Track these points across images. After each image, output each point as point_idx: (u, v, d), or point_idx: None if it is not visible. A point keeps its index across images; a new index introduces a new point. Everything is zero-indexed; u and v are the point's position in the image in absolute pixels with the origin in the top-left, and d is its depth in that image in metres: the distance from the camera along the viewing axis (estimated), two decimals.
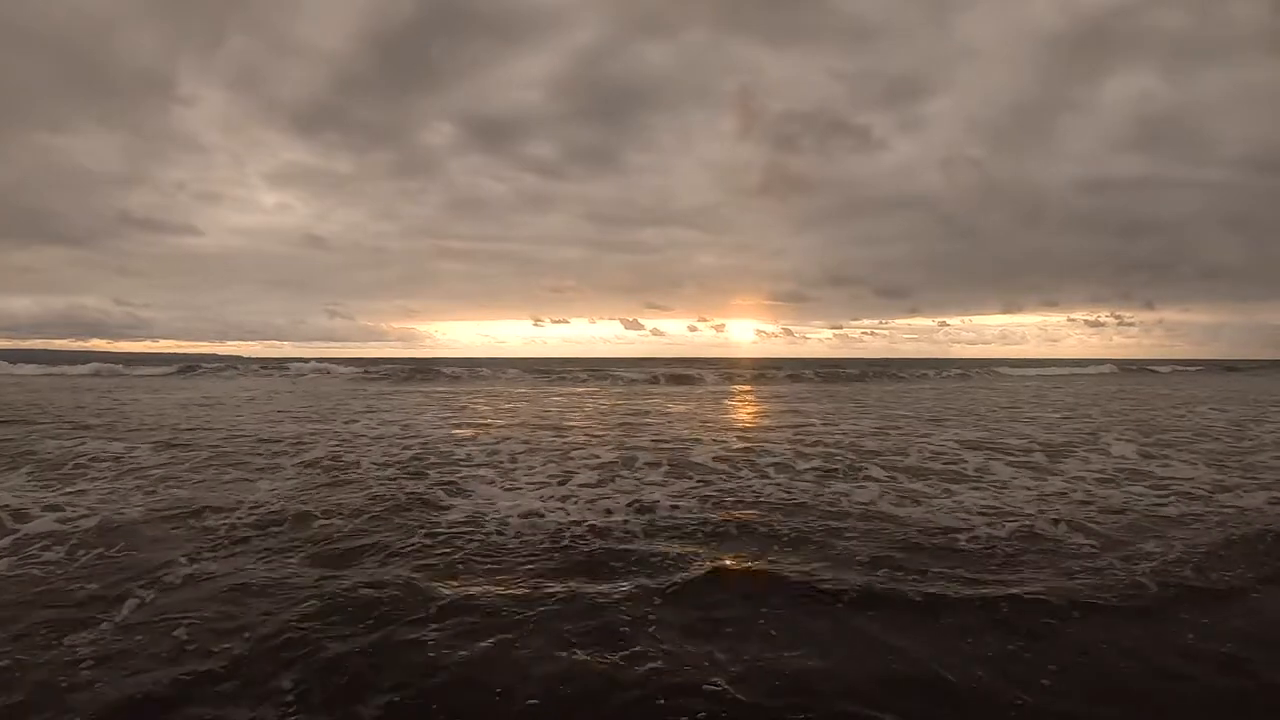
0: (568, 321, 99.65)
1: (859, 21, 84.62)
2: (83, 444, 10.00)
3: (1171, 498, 6.66)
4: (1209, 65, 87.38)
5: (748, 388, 28.73)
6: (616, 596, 3.92)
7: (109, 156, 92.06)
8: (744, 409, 18.03)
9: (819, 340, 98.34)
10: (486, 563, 4.63)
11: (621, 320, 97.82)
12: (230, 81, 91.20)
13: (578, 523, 5.63)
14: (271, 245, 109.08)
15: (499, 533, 5.37)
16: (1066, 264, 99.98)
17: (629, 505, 6.24)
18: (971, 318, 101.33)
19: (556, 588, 4.06)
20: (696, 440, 10.74)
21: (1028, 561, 4.65)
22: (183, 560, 4.68)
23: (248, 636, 3.44)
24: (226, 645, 3.36)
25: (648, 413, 16.21)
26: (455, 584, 4.15)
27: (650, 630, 3.51)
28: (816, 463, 8.34)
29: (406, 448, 9.83)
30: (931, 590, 4.02)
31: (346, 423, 13.46)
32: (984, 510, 6.12)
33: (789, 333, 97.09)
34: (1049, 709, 2.84)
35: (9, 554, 4.82)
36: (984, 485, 7.30)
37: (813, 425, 12.87)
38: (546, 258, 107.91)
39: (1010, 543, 5.09)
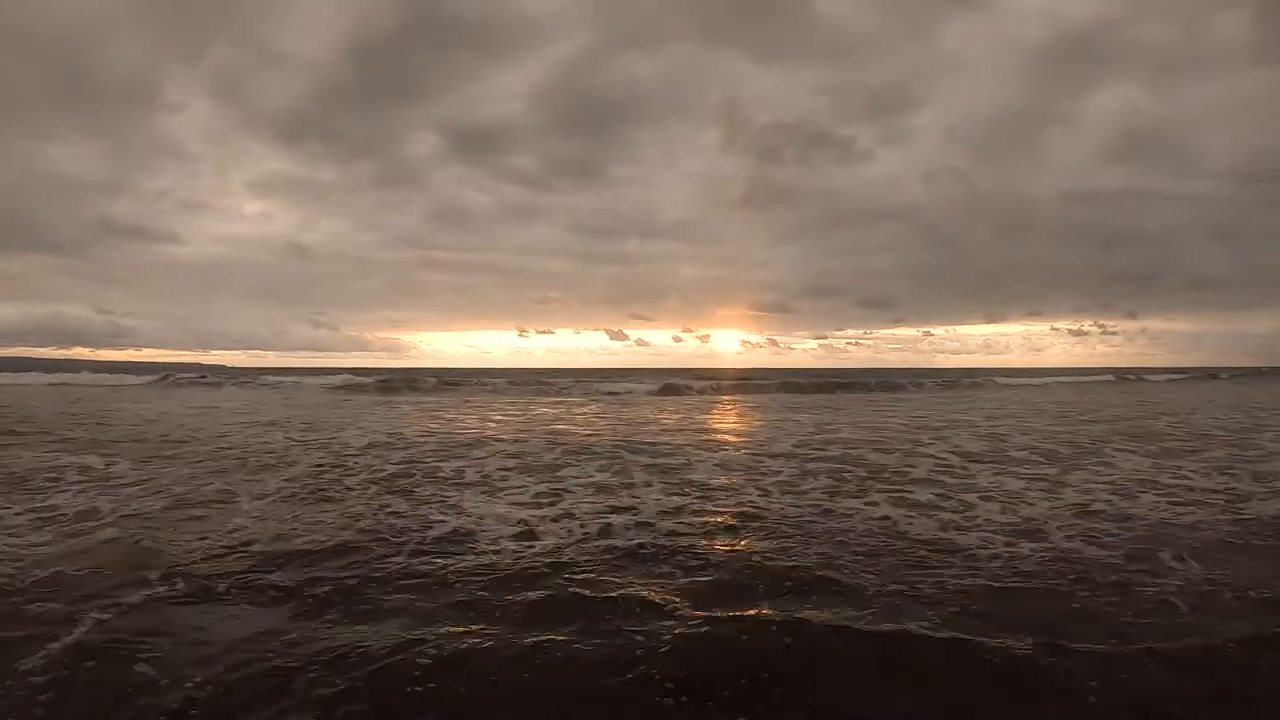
0: (552, 332, 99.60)
1: (843, 35, 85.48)
2: (59, 458, 9.60)
3: (1190, 507, 6.48)
4: (1193, 78, 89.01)
5: (738, 399, 28.50)
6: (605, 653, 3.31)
7: (92, 164, 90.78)
8: (737, 421, 17.80)
9: (803, 351, 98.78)
10: (474, 606, 4.30)
11: (606, 331, 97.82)
12: (215, 90, 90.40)
13: (575, 543, 5.32)
14: (255, 254, 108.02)
15: (492, 554, 5.05)
16: (1050, 274, 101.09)
17: (625, 527, 5.90)
18: (955, 328, 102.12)
19: (545, 637, 3.49)
20: (692, 453, 10.47)
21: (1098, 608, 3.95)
22: (149, 581, 4.33)
23: (211, 669, 3.11)
24: (188, 676, 3.03)
25: (640, 424, 15.92)
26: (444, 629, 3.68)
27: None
28: (824, 480, 7.96)
29: (391, 461, 9.48)
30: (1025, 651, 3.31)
31: (331, 435, 13.07)
32: (1033, 543, 5.52)
33: (773, 343, 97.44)
34: None
35: None
36: (1010, 502, 7.05)
37: (812, 438, 12.62)
38: (531, 269, 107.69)
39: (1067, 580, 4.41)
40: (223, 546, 5.15)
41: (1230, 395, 28.10)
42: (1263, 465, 9.00)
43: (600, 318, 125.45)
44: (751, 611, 3.82)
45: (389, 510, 6.38)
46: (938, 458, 9.72)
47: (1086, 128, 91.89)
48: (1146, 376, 53.84)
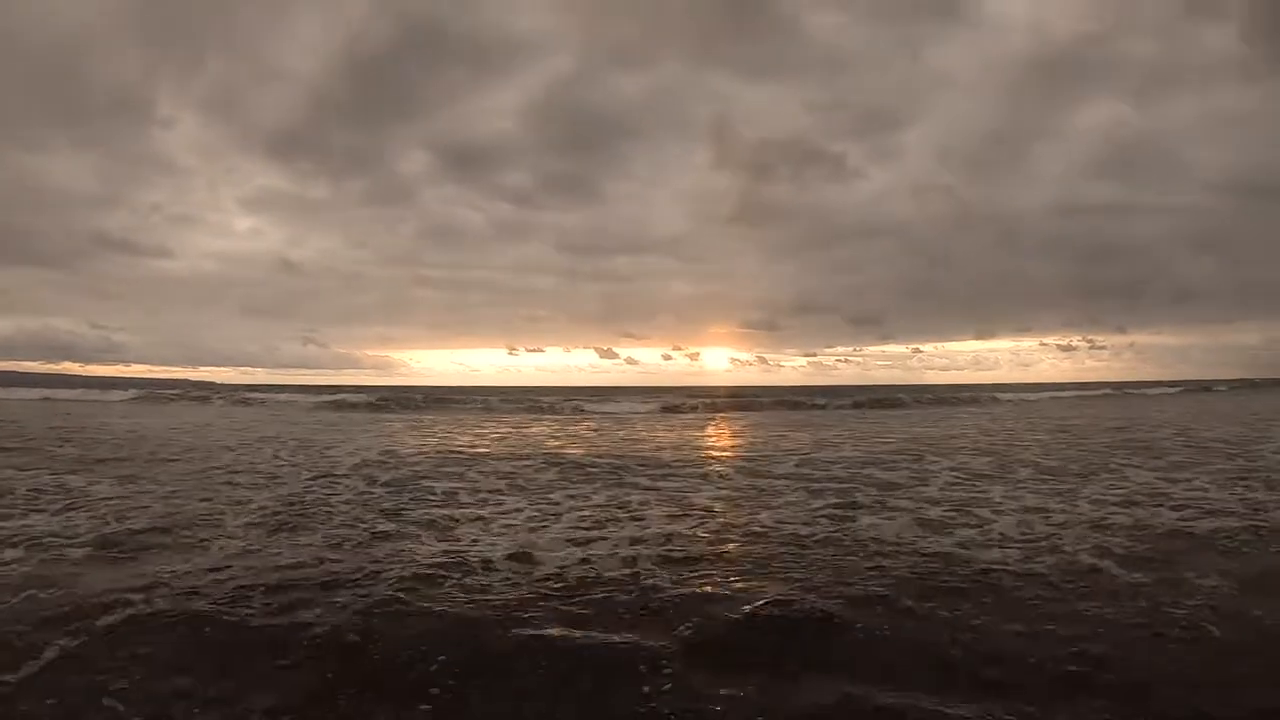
0: (543, 350, 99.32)
1: (833, 52, 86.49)
2: (39, 476, 9.27)
3: (1211, 518, 6.30)
4: (1179, 92, 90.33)
5: (734, 416, 28.28)
6: None
7: (85, 177, 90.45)
8: (737, 439, 17.61)
9: (793, 368, 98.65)
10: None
11: (596, 349, 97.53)
12: (207, 105, 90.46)
13: (578, 569, 5.07)
14: (246, 270, 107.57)
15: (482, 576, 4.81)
16: (1039, 290, 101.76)
17: (628, 554, 5.64)
18: (945, 344, 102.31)
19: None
20: (693, 472, 10.24)
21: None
22: (124, 603, 4.07)
23: (185, 703, 2.87)
24: (159, 713, 2.78)
25: (638, 442, 15.71)
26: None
27: None
28: (831, 499, 7.72)
29: (380, 481, 9.20)
30: None
31: (321, 453, 12.79)
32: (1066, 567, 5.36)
33: (763, 361, 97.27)
34: None
35: None
36: (1025, 518, 6.85)
37: (815, 455, 12.41)
38: (521, 286, 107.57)
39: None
40: (203, 570, 4.88)
41: (1225, 407, 28.06)
42: (1276, 474, 8.86)
43: (590, 336, 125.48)
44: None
45: (376, 533, 6.11)
46: (949, 474, 9.54)
47: (1074, 142, 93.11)
48: (1144, 390, 53.91)
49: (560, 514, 6.96)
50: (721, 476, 9.34)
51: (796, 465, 10.51)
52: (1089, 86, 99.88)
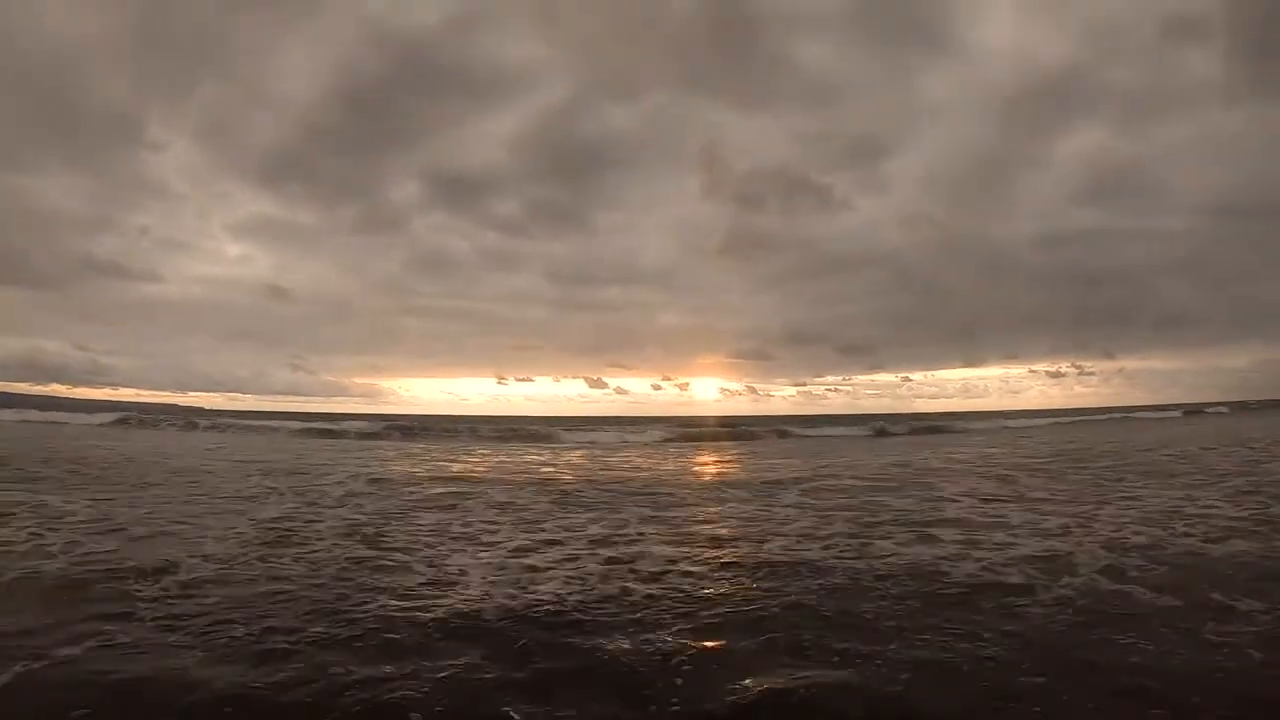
0: (532, 380, 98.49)
1: (821, 83, 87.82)
2: (10, 493, 8.96)
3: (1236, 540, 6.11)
4: (1163, 117, 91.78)
5: (729, 445, 27.90)
6: None
7: (75, 199, 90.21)
8: (735, 466, 17.39)
9: (782, 398, 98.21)
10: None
11: (586, 379, 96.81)
12: (199, 130, 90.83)
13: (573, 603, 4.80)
14: (234, 296, 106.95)
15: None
16: (1027, 317, 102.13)
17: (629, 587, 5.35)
18: (934, 373, 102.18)
19: None
20: (694, 501, 10.01)
21: None
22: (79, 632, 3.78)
23: None
24: None
25: (634, 471, 15.46)
26: None
27: None
28: (839, 526, 7.46)
29: (366, 510, 8.84)
30: None
31: (306, 480, 12.47)
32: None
33: (753, 390, 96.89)
34: None
35: None
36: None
37: (824, 482, 12.18)
38: (510, 316, 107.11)
39: None
40: (175, 595, 4.60)
41: (1222, 429, 27.96)
42: None
43: (579, 366, 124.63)
44: None
45: (357, 561, 5.79)
46: (960, 500, 9.32)
47: (1059, 170, 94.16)
48: (1139, 415, 53.75)
49: (558, 543, 6.68)
50: (727, 507, 9.09)
51: (801, 494, 10.27)
52: (1073, 114, 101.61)
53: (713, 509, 8.68)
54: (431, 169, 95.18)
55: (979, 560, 5.60)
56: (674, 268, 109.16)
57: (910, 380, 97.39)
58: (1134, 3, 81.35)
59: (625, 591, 4.80)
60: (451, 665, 3.43)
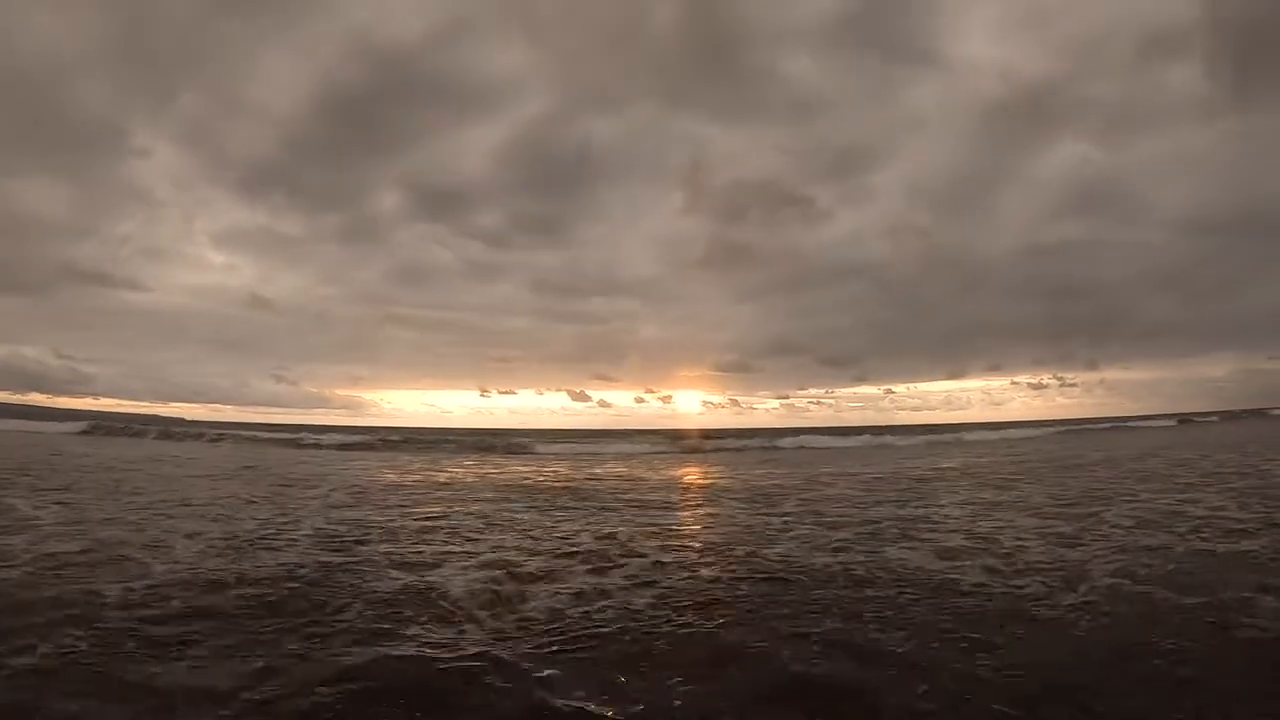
0: (514, 392, 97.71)
1: (805, 96, 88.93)
2: None
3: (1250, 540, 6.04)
4: (1144, 132, 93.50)
5: (718, 456, 27.64)
6: None
7: (57, 205, 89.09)
8: (728, 476, 17.17)
9: (765, 410, 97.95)
10: None
11: (569, 391, 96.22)
12: (183, 137, 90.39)
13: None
14: (216, 305, 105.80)
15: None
16: (1009, 329, 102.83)
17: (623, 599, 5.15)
18: (917, 385, 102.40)
19: None
20: (697, 518, 9.79)
21: None
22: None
23: None
24: None
25: (628, 482, 15.23)
26: None
27: None
28: (845, 533, 7.28)
29: (344, 523, 8.52)
30: None
31: (283, 488, 12.11)
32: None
33: (735, 403, 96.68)
34: None
35: None
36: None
37: (822, 491, 12.01)
38: (493, 328, 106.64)
39: None
40: (136, 603, 4.39)
41: (1210, 437, 28.12)
42: None
43: (562, 378, 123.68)
44: None
45: (328, 565, 5.55)
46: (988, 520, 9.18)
47: (1041, 183, 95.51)
48: (1127, 425, 53.92)
49: (557, 557, 6.44)
50: (722, 511, 8.89)
51: (799, 502, 10.10)
52: (1055, 128, 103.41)
53: (742, 520, 8.48)
54: (414, 179, 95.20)
55: (989, 567, 5.44)
56: (657, 280, 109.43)
57: (893, 392, 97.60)
58: (1114, 18, 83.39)
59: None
60: None
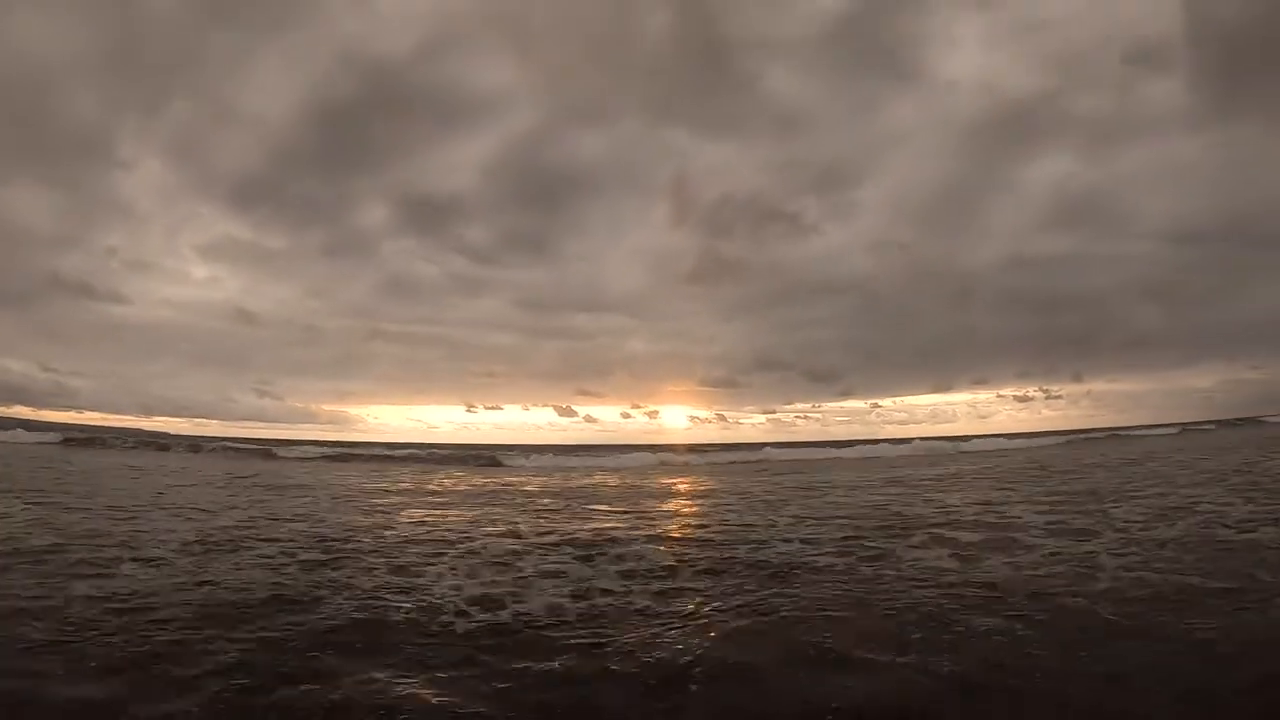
0: (500, 408, 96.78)
1: (790, 111, 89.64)
2: None
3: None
4: (1127, 144, 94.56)
5: (711, 470, 26.94)
6: None
7: (41, 215, 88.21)
8: (722, 489, 16.92)
9: (752, 425, 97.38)
10: None
11: (555, 407, 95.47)
12: (168, 149, 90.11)
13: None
14: (201, 319, 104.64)
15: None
16: (995, 342, 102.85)
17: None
18: (903, 399, 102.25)
19: None
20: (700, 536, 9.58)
21: None
22: None
23: None
24: None
25: (624, 496, 15.01)
26: None
27: None
28: (841, 540, 7.13)
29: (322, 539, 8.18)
30: None
31: (260, 501, 11.77)
32: None
33: (722, 418, 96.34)
34: None
35: None
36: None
37: (825, 497, 11.81)
38: (479, 343, 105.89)
39: None
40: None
41: (1200, 444, 28.06)
42: None
43: (548, 394, 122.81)
44: None
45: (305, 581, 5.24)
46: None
47: (1025, 196, 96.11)
48: (1125, 434, 53.71)
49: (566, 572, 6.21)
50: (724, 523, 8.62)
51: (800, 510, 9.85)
52: (1039, 141, 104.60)
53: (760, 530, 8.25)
54: (401, 193, 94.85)
55: (1020, 565, 5.33)
56: (643, 295, 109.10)
57: (880, 406, 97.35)
58: (1098, 32, 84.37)
59: None
60: None
